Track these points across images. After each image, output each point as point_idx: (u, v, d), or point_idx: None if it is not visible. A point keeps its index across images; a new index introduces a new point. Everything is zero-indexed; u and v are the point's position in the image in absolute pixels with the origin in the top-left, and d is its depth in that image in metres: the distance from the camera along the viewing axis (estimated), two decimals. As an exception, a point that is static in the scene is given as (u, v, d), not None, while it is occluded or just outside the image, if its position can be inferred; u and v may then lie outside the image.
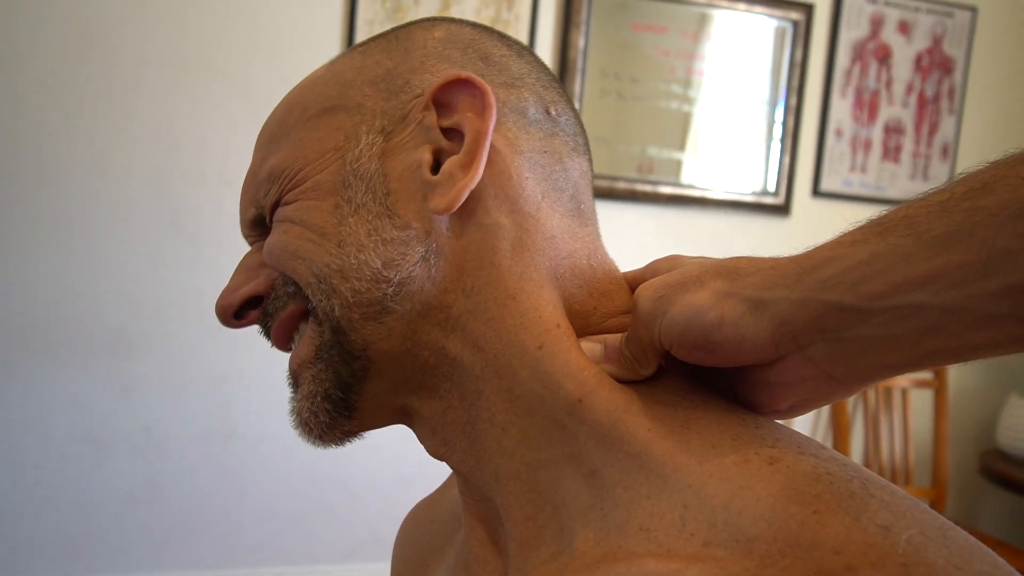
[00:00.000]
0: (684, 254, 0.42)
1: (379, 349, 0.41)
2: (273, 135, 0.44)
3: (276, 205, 0.43)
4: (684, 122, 2.25)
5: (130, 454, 1.96)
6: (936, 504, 2.35)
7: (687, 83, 2.23)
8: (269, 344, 0.46)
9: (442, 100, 0.40)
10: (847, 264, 0.31)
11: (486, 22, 2.06)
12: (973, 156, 2.53)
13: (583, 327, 0.41)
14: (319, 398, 0.42)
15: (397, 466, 2.06)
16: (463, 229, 0.40)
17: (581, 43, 2.12)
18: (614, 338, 0.39)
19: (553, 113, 0.43)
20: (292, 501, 2.08)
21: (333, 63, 0.45)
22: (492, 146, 0.40)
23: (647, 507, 0.34)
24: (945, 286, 0.28)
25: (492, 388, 0.39)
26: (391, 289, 0.40)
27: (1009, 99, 2.57)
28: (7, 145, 1.84)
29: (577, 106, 2.14)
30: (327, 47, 2.00)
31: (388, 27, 1.96)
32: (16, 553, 1.91)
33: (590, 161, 0.46)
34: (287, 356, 0.45)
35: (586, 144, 0.46)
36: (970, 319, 0.28)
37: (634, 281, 0.43)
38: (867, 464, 2.35)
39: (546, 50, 2.13)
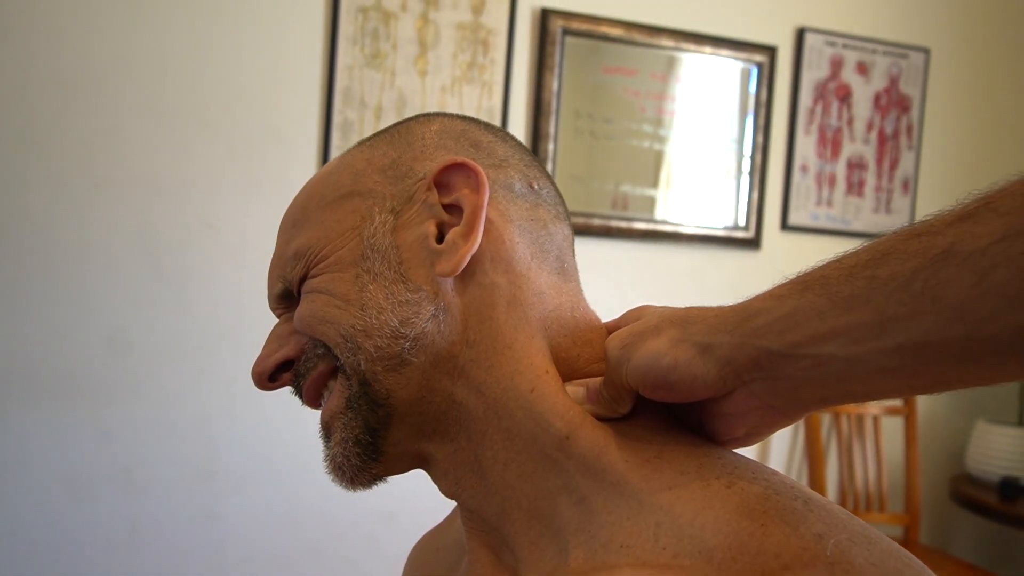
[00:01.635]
0: (652, 304, 0.48)
1: (400, 397, 0.46)
2: (296, 220, 0.50)
3: (303, 279, 0.49)
4: (656, 160, 2.28)
5: (111, 498, 1.91)
6: (910, 529, 2.35)
7: (658, 122, 2.27)
8: (300, 403, 0.52)
9: (442, 181, 0.47)
10: (774, 316, 0.36)
11: (462, 66, 2.09)
12: (932, 188, 2.58)
13: (568, 372, 0.46)
14: (351, 443, 0.47)
15: (379, 503, 2.03)
16: (465, 289, 0.46)
17: (555, 86, 2.15)
18: (595, 381, 0.44)
19: (536, 187, 0.50)
20: (276, 541, 2.04)
21: (344, 156, 0.52)
22: (487, 217, 0.46)
23: (627, 527, 0.39)
24: (849, 341, 0.33)
25: (493, 428, 0.45)
26: (408, 344, 0.45)
27: (964, 134, 2.63)
28: (-11, 190, 1.82)
29: (552, 146, 2.16)
30: (307, 91, 2.01)
31: (367, 72, 1.99)
32: (-7, 601, 1.84)
33: (571, 226, 0.52)
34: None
35: (566, 212, 0.52)
36: (871, 369, 0.34)
37: (613, 330, 0.47)
38: (842, 491, 2.35)
39: (521, 92, 2.16)
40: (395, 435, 0.47)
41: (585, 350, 0.47)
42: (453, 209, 0.47)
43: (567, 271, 0.50)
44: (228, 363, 1.97)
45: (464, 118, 0.52)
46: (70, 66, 1.85)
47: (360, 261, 0.46)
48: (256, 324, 2.02)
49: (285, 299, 0.51)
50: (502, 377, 0.45)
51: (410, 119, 0.52)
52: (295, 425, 2.00)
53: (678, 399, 0.41)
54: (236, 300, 1.96)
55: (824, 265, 0.36)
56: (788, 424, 0.41)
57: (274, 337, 0.52)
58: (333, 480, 0.49)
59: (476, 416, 0.45)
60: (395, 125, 0.52)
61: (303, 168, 2.00)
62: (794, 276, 0.37)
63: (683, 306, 0.44)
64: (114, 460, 1.91)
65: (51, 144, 1.85)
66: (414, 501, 2.23)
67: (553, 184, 0.52)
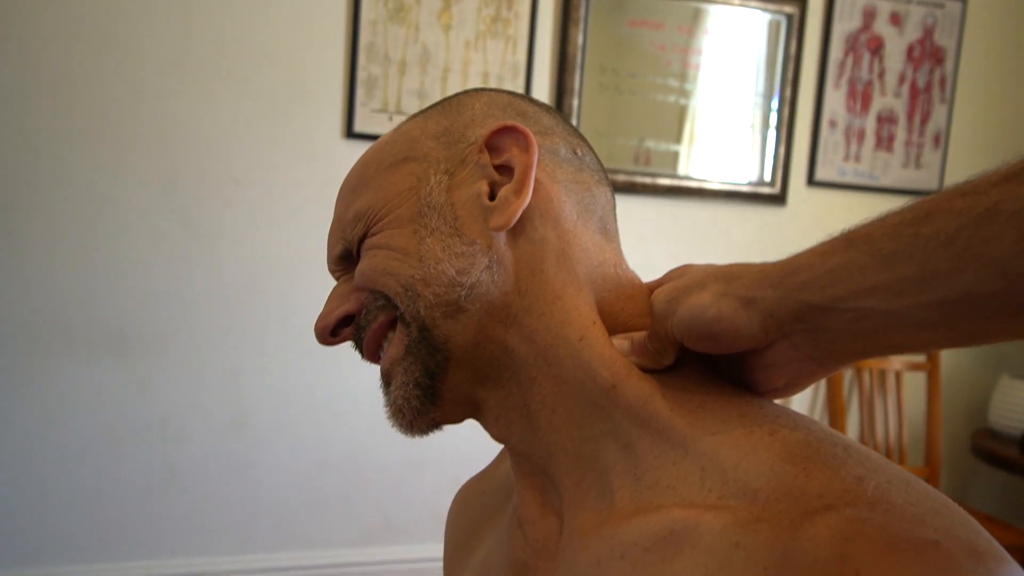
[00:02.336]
0: (693, 263, 0.49)
1: (457, 343, 0.48)
2: (355, 186, 0.53)
3: (363, 238, 0.51)
4: (681, 115, 2.25)
5: (148, 446, 1.97)
6: (930, 481, 2.35)
7: (683, 77, 2.23)
8: (360, 357, 0.54)
9: (493, 144, 0.49)
10: (818, 271, 0.37)
11: (486, 20, 2.06)
12: (964, 144, 2.52)
13: (612, 326, 0.48)
14: (411, 386, 0.49)
15: (406, 451, 2.07)
16: (516, 243, 0.48)
17: (580, 39, 2.11)
18: (639, 335, 0.46)
19: (579, 153, 0.53)
20: (306, 489, 2.09)
21: (399, 127, 0.54)
22: (535, 177, 0.48)
23: (673, 471, 0.41)
24: (890, 295, 0.35)
25: (543, 375, 0.47)
26: (464, 292, 0.47)
27: (999, 88, 2.55)
28: (24, 150, 1.84)
29: (576, 101, 2.13)
30: (331, 47, 1.99)
31: (391, 27, 1.97)
32: (41, 542, 1.92)
33: (612, 192, 0.54)
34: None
35: (607, 178, 0.54)
36: (911, 322, 0.35)
37: (654, 288, 0.49)
38: (862, 443, 2.35)
39: (546, 46, 2.13)
40: (452, 380, 0.49)
41: (628, 305, 0.49)
42: (503, 169, 0.49)
43: (609, 232, 0.52)
44: (257, 317, 2.00)
45: (511, 92, 0.55)
46: (97, 27, 1.85)
47: (417, 218, 0.49)
48: (284, 277, 2.04)
49: (344, 260, 0.54)
50: (552, 325, 0.47)
51: (459, 93, 0.55)
52: (322, 377, 2.04)
53: (721, 350, 0.42)
54: (263, 254, 1.98)
55: (868, 223, 0.37)
56: (826, 375, 0.42)
57: (335, 296, 0.54)
58: (393, 425, 0.51)
59: (527, 363, 0.47)
60: (447, 98, 0.55)
61: (328, 123, 2.00)
62: (838, 233, 0.38)
63: (725, 263, 0.45)
64: (150, 410, 1.97)
65: (79, 103, 1.86)
66: (439, 451, 2.28)
67: (594, 153, 0.54)
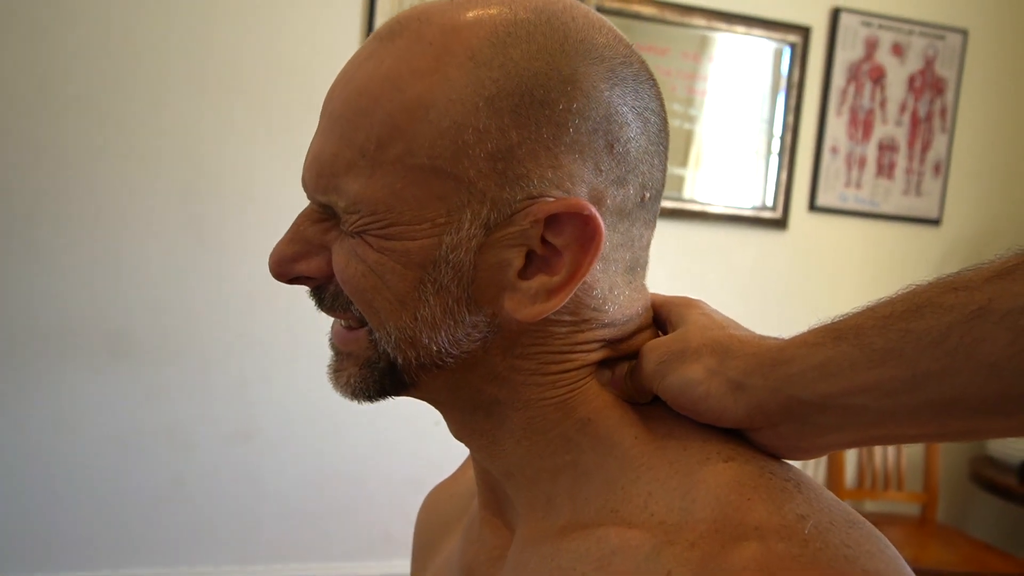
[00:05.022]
0: (704, 302, 0.46)
1: (424, 382, 0.43)
2: (365, 141, 0.40)
3: (353, 227, 0.41)
4: (686, 139, 2.26)
5: (155, 454, 1.98)
6: (927, 508, 2.34)
7: (689, 102, 2.24)
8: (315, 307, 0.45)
9: (553, 219, 0.39)
10: (807, 364, 0.36)
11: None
12: (964, 172, 2.52)
13: (611, 350, 0.44)
14: (357, 391, 0.44)
15: (410, 467, 2.07)
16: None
17: (587, 64, 2.13)
18: (621, 368, 0.44)
19: (647, 198, 0.43)
20: (310, 500, 2.09)
21: (452, 80, 0.38)
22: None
23: (620, 495, 0.40)
24: (880, 395, 0.34)
25: (519, 416, 0.43)
26: (450, 359, 0.42)
27: (999, 117, 2.56)
28: (50, 164, 1.86)
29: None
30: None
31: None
32: (49, 545, 1.92)
33: (657, 212, 0.45)
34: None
35: (661, 194, 0.45)
36: (901, 420, 0.34)
37: (659, 309, 0.46)
38: (860, 469, 2.34)
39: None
40: (410, 393, 0.45)
41: (628, 327, 0.44)
42: (550, 246, 0.40)
43: (636, 271, 0.44)
44: (265, 329, 2.01)
45: (614, 71, 0.40)
46: (119, 45, 1.88)
47: (430, 267, 0.39)
48: (292, 291, 2.04)
49: (324, 208, 0.43)
50: (543, 383, 0.43)
51: (557, 23, 0.40)
52: (328, 390, 2.04)
53: (704, 422, 0.41)
54: (274, 269, 1.99)
55: (858, 313, 0.36)
56: (807, 459, 0.41)
57: (301, 237, 0.43)
58: (333, 388, 0.45)
59: (502, 403, 0.43)
60: (534, 33, 0.39)
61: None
62: (828, 322, 0.37)
63: (727, 320, 0.43)
64: (159, 419, 1.97)
65: (102, 119, 1.88)
66: (440, 469, 2.25)
67: (663, 170, 0.44)
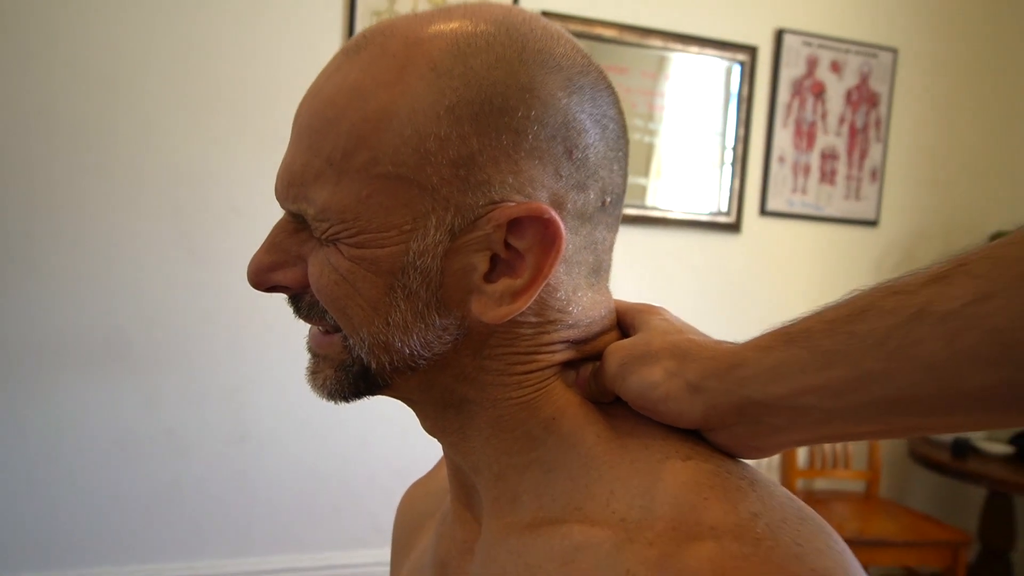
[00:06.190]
0: (666, 309, 0.47)
1: (397, 384, 0.44)
2: (332, 151, 0.40)
3: (324, 235, 0.41)
4: (648, 151, 2.37)
5: (154, 457, 2.02)
6: (871, 484, 2.51)
7: (649, 117, 2.36)
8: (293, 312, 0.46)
9: (516, 223, 0.40)
10: (760, 367, 0.37)
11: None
12: (898, 178, 2.70)
13: (575, 352, 0.45)
14: (333, 392, 0.44)
15: (393, 462, 2.14)
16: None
17: (555, 82, 2.24)
18: (586, 369, 0.44)
19: (608, 202, 0.43)
20: (300, 497, 2.14)
21: (417, 70, 0.39)
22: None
23: (584, 493, 0.40)
24: (828, 395, 0.34)
25: (487, 414, 0.44)
26: (423, 361, 0.42)
27: (928, 128, 2.73)
28: (44, 184, 1.90)
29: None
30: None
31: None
32: (50, 546, 1.96)
33: (620, 215, 0.45)
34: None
35: (623, 198, 0.45)
36: (848, 419, 0.35)
37: (622, 315, 0.47)
38: (811, 451, 2.49)
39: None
40: (383, 392, 0.45)
41: (593, 328, 0.45)
42: (511, 249, 0.40)
43: (599, 274, 0.45)
44: (257, 337, 2.07)
45: (571, 80, 0.41)
46: (109, 68, 1.93)
47: (399, 273, 0.40)
48: (282, 300, 2.11)
49: (296, 218, 0.43)
50: (509, 384, 0.43)
51: (516, 34, 0.40)
52: (315, 395, 2.12)
53: (662, 422, 0.41)
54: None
55: (808, 317, 0.36)
56: (761, 457, 0.41)
57: (277, 247, 0.43)
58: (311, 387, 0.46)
59: (471, 402, 0.44)
60: (493, 44, 0.39)
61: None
62: (781, 326, 0.38)
63: (686, 326, 0.44)
64: (157, 424, 2.03)
65: (93, 140, 1.93)
66: (425, 461, 2.31)
67: (624, 176, 0.44)
